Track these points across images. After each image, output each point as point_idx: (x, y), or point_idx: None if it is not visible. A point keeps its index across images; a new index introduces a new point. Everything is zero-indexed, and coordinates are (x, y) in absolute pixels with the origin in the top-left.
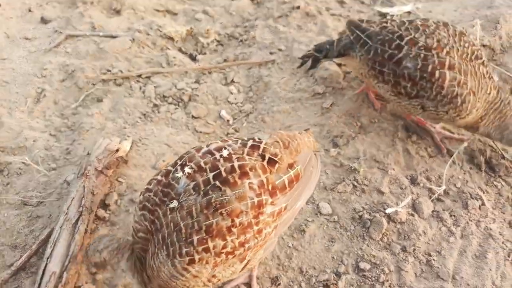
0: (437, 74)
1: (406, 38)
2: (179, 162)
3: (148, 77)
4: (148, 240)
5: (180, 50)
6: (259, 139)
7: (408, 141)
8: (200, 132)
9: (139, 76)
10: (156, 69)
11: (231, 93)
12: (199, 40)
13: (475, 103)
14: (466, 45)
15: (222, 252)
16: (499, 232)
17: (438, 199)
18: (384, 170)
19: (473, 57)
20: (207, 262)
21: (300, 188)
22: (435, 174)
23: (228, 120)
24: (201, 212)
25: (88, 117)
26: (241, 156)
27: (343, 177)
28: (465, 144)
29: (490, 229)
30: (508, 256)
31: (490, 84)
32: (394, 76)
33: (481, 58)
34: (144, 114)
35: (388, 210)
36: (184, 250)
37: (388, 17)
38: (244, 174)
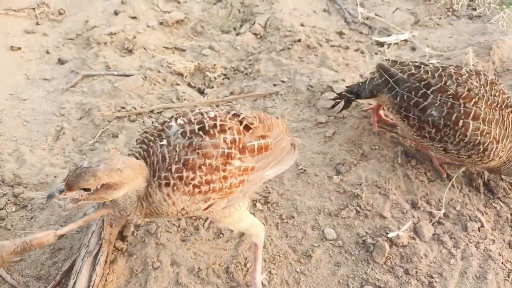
0: (460, 123)
1: (435, 87)
2: (175, 116)
3: (160, 112)
4: None
5: (189, 85)
6: (240, 112)
7: (408, 166)
8: None
9: (151, 112)
10: (167, 105)
11: None
12: (206, 75)
13: (499, 151)
14: (497, 94)
15: (191, 183)
16: (499, 253)
17: (439, 222)
18: (386, 195)
19: (503, 106)
20: (177, 189)
21: (270, 158)
22: (435, 197)
23: None
24: (183, 149)
25: (105, 153)
26: (223, 118)
27: (346, 203)
28: (463, 168)
29: (490, 250)
30: (508, 277)
31: None
32: (419, 122)
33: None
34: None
35: (390, 234)
36: (163, 174)
37: (386, 45)
38: (222, 131)
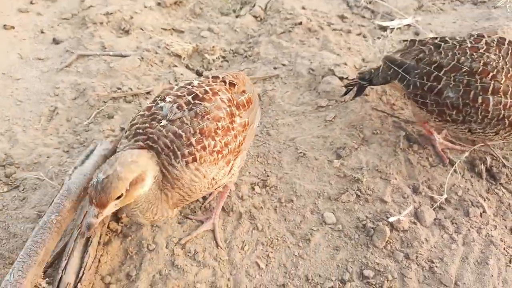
0: (480, 100)
1: (447, 67)
2: (157, 99)
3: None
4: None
5: (187, 66)
6: (217, 74)
7: (409, 151)
8: None
9: (148, 93)
10: (163, 86)
11: None
12: (205, 57)
13: None
14: None
15: (214, 151)
16: (501, 238)
17: (440, 207)
18: (387, 179)
19: None
20: (205, 161)
21: (254, 111)
22: (436, 183)
23: None
24: (192, 120)
25: (100, 134)
26: (208, 83)
27: (346, 187)
28: (466, 154)
29: (492, 236)
30: (510, 262)
31: None
32: (438, 106)
33: None
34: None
35: (391, 219)
36: (186, 150)
37: (389, 30)
38: (215, 93)
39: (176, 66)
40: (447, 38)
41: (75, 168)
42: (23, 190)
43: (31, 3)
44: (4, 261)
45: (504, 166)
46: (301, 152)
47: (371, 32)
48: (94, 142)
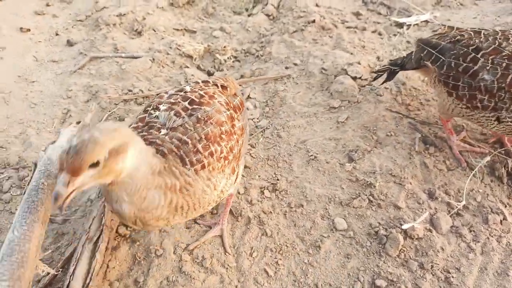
0: None
1: (486, 50)
2: (149, 109)
3: None
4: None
5: (198, 67)
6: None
7: (425, 154)
8: None
9: (158, 95)
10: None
11: (248, 109)
12: (216, 57)
13: None
14: None
15: (221, 157)
16: None
17: (457, 214)
18: (401, 184)
19: None
20: (213, 168)
21: (245, 115)
22: (454, 188)
23: None
24: (195, 126)
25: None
26: (201, 87)
27: (358, 192)
28: (488, 158)
29: None
30: None
31: None
32: (469, 90)
33: None
34: None
35: (405, 226)
36: (194, 158)
37: (405, 26)
38: (211, 97)
39: (187, 67)
40: (486, 28)
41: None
42: None
43: (47, 5)
44: None
45: None
46: (312, 155)
47: (387, 29)
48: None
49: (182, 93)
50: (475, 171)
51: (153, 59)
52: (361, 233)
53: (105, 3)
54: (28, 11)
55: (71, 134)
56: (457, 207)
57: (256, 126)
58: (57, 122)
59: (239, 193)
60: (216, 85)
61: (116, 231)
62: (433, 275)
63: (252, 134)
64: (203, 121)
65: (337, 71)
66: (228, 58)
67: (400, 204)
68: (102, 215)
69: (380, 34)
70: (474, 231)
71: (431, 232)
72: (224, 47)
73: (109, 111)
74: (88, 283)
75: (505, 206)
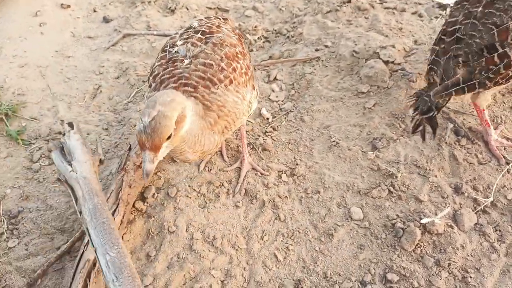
0: None
1: None
2: (166, 48)
3: None
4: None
5: None
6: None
7: (456, 146)
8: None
9: None
10: None
11: (273, 91)
12: (246, 37)
13: None
14: None
15: (242, 72)
16: None
17: (484, 211)
18: (425, 176)
19: None
20: (238, 82)
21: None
22: (483, 183)
23: (267, 118)
24: (214, 50)
25: (137, 113)
26: (206, 21)
27: (379, 182)
28: None
29: None
30: None
31: None
32: None
33: None
34: None
35: (424, 220)
36: (221, 75)
37: (449, 8)
38: (218, 26)
39: None
40: None
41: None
42: None
43: None
44: (40, 231)
45: None
46: (334, 141)
47: (428, 11)
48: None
49: (192, 29)
50: (510, 167)
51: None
52: (377, 224)
53: None
54: None
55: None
56: (483, 203)
57: (280, 109)
58: (88, 97)
59: (256, 174)
60: (219, 18)
61: (133, 206)
62: (449, 273)
63: (275, 117)
64: (219, 44)
65: (369, 55)
66: (258, 38)
67: (422, 197)
68: (120, 189)
69: (420, 16)
70: (500, 230)
71: (452, 228)
72: (255, 27)
73: (137, 88)
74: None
75: None
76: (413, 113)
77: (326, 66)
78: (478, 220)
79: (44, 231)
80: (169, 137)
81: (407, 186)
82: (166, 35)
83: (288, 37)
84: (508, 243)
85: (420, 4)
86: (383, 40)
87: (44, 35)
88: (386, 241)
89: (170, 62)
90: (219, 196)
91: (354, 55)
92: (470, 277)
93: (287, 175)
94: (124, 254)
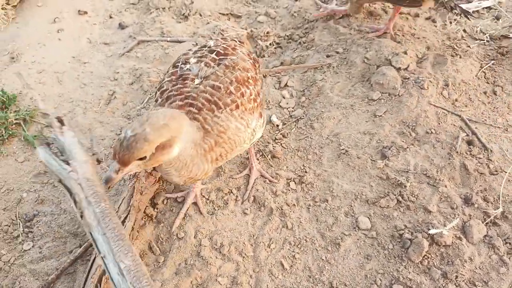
0: None
1: None
2: (179, 64)
3: None
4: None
5: None
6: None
7: (467, 155)
8: None
9: None
10: None
11: (284, 97)
12: (258, 43)
13: None
14: None
15: (251, 99)
16: None
17: (494, 223)
18: (435, 186)
19: None
20: (245, 108)
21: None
22: (494, 194)
23: (277, 125)
24: (225, 72)
25: (141, 115)
26: (223, 42)
27: (387, 191)
28: None
29: None
30: None
31: None
32: None
33: None
34: None
35: (432, 231)
36: (228, 99)
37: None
38: (234, 48)
39: None
40: None
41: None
42: None
43: None
44: (53, 235)
45: None
46: (343, 149)
47: (443, 16)
48: None
49: (206, 48)
50: (511, 168)
51: (196, 44)
52: (384, 235)
53: None
54: None
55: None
56: (493, 214)
57: (291, 116)
58: (102, 103)
59: (264, 182)
60: (235, 40)
61: (144, 211)
62: (456, 285)
63: (285, 124)
64: (231, 67)
65: (381, 61)
66: (270, 44)
67: (431, 207)
68: (131, 196)
69: (434, 21)
70: (510, 243)
71: (461, 240)
72: (267, 32)
73: (150, 94)
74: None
75: None
76: None
77: (337, 73)
78: (487, 232)
79: (58, 235)
80: (142, 158)
81: (416, 196)
82: (179, 41)
83: (300, 43)
84: None
85: (434, 9)
86: (394, 47)
87: (61, 41)
88: (393, 251)
89: (181, 79)
90: (227, 203)
91: (365, 62)
92: None
93: (295, 183)
94: (139, 262)
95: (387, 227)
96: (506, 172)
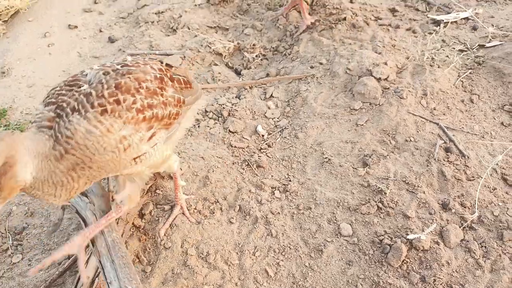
0: None
1: None
2: (86, 69)
3: None
4: (51, 127)
5: (227, 65)
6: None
7: (445, 162)
8: (235, 146)
9: None
10: (202, 85)
11: (269, 108)
12: (245, 56)
13: None
14: None
15: (133, 108)
16: None
17: (470, 228)
18: (414, 192)
19: None
20: (119, 116)
21: (194, 96)
22: (471, 199)
23: (263, 135)
24: (111, 78)
25: None
26: (144, 60)
27: (368, 198)
28: (500, 157)
29: None
30: None
31: None
32: None
33: None
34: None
35: (411, 236)
36: (96, 102)
37: (442, 24)
38: (145, 64)
39: (216, 64)
40: None
41: None
42: None
43: (95, 2)
44: (43, 247)
45: None
46: (326, 158)
47: (423, 27)
48: None
49: (121, 61)
50: (487, 174)
51: (184, 57)
52: (365, 240)
53: (146, 0)
54: (78, 9)
55: None
56: (469, 219)
57: (276, 126)
58: None
59: (250, 191)
60: (161, 61)
61: (132, 223)
62: None
63: (271, 134)
64: (120, 74)
65: (362, 72)
66: (256, 56)
67: (410, 213)
68: None
69: (414, 32)
70: (485, 246)
71: (438, 244)
72: (253, 45)
73: None
74: (99, 272)
75: None
76: None
77: (321, 84)
78: (464, 236)
79: (47, 247)
80: None
81: (395, 203)
82: (168, 54)
83: (285, 54)
84: (493, 260)
85: (414, 20)
86: (375, 58)
87: (52, 56)
88: (373, 257)
89: (71, 83)
90: (213, 213)
91: (347, 73)
92: None
93: (280, 191)
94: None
95: (368, 233)
96: (482, 178)
